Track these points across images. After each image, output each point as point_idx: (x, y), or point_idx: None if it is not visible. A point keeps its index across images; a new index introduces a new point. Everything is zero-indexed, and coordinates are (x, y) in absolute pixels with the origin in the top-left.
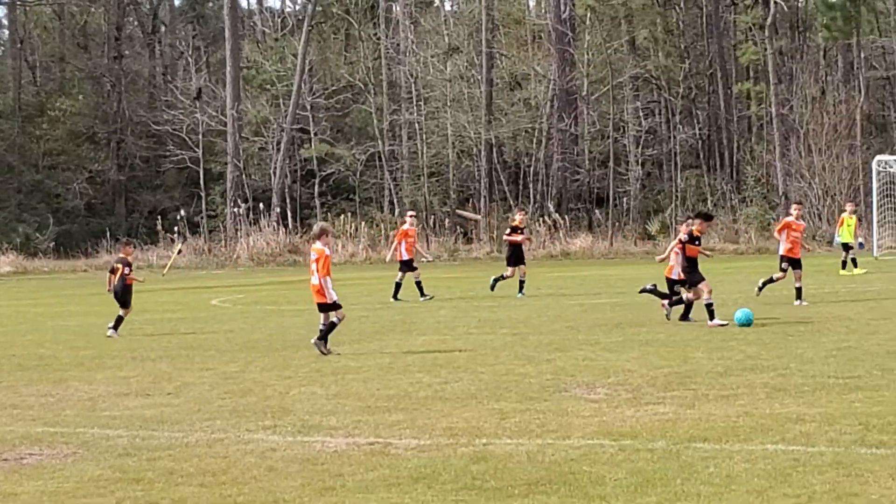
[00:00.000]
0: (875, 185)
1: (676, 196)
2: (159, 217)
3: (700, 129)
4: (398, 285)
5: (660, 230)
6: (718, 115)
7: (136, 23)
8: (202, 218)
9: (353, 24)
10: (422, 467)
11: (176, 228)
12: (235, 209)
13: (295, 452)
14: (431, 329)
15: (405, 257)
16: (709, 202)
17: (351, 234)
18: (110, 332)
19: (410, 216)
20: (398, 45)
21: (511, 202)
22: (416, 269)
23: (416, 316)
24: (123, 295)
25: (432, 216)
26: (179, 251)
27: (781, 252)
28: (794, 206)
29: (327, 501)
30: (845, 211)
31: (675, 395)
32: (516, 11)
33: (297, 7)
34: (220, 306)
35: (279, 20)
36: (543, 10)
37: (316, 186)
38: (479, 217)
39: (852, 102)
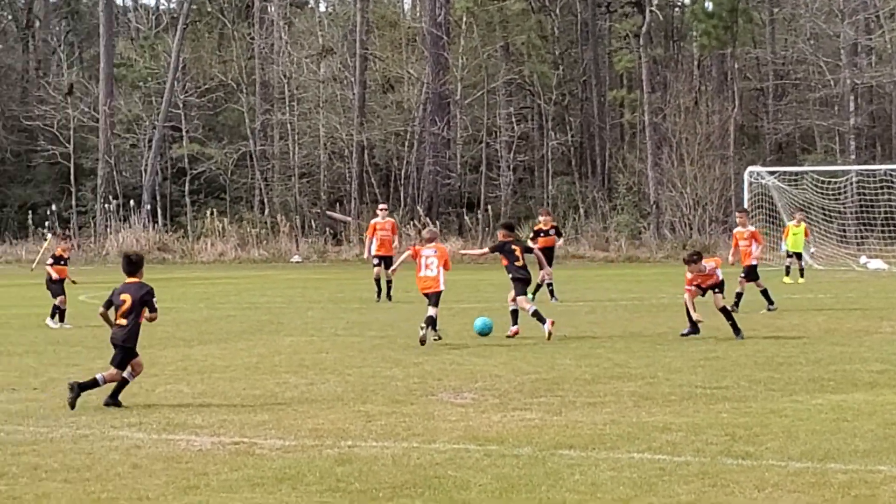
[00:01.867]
0: (746, 195)
1: (547, 202)
2: (30, 212)
3: (572, 135)
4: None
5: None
6: (591, 122)
7: (10, 17)
8: (72, 214)
9: (226, 24)
10: (286, 468)
11: (47, 223)
12: (106, 206)
13: (160, 450)
14: (299, 330)
15: None
16: (580, 209)
17: (220, 233)
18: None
19: (381, 209)
20: (272, 45)
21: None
22: None
23: (284, 317)
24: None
25: (302, 217)
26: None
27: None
28: (737, 214)
29: (191, 500)
30: (793, 220)
31: (542, 402)
32: (391, 14)
33: (172, 5)
34: (88, 302)
35: (153, 17)
36: (418, 13)
37: (187, 185)
38: (348, 219)
39: (725, 113)
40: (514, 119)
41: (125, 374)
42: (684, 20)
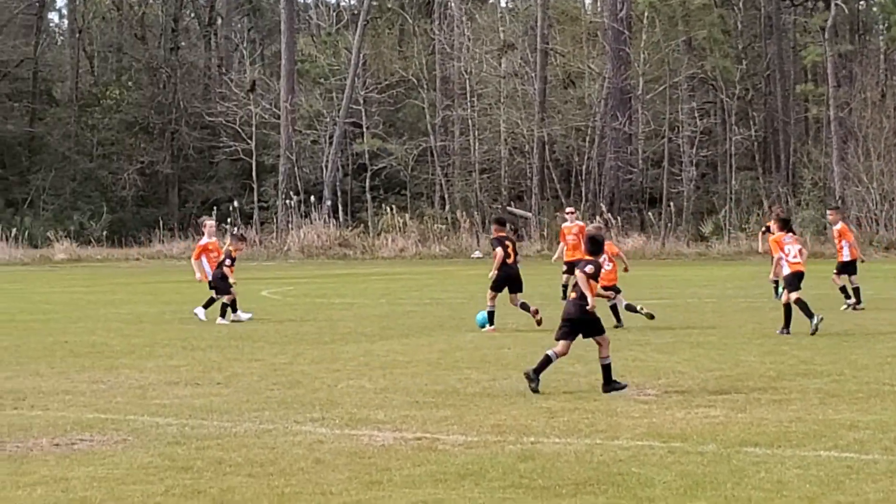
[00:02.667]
0: None
1: (731, 198)
2: (214, 208)
3: (756, 130)
4: None
5: (713, 232)
6: (775, 116)
7: (192, 14)
8: (254, 210)
9: (407, 19)
10: (469, 464)
11: (229, 220)
12: (287, 201)
13: (342, 445)
14: None
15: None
16: (764, 205)
17: (401, 228)
18: (218, 320)
19: (569, 212)
20: (452, 40)
21: (562, 200)
22: None
23: (465, 312)
24: (214, 282)
25: (483, 213)
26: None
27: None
28: (828, 212)
29: (374, 495)
30: None
31: (726, 399)
32: (572, 9)
33: (353, 1)
34: (270, 298)
35: (334, 14)
36: (599, 8)
37: (367, 180)
38: (529, 215)
39: None
40: (696, 114)
41: (602, 358)
42: (870, 13)
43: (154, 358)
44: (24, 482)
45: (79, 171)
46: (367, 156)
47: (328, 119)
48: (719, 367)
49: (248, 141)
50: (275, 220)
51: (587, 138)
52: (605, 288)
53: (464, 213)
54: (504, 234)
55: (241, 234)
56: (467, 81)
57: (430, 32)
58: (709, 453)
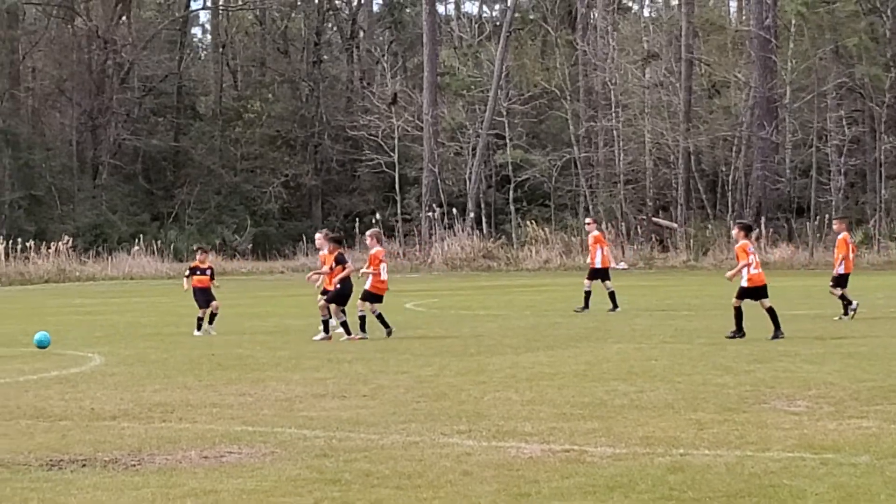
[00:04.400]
0: None
1: (881, 207)
2: (356, 220)
3: None
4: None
5: (863, 241)
6: None
7: (335, 28)
8: (397, 222)
9: (549, 31)
10: (618, 476)
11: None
12: (430, 214)
13: (490, 457)
14: (627, 337)
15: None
16: None
17: (545, 240)
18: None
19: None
20: (596, 51)
21: (708, 211)
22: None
23: (611, 324)
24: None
25: (627, 224)
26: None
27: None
28: (834, 222)
29: None
30: None
31: (878, 410)
32: (717, 17)
33: (495, 13)
34: (415, 310)
35: (476, 26)
36: (745, 17)
37: (511, 192)
38: (675, 225)
39: None
40: (844, 122)
41: None
42: None
43: (300, 370)
44: (173, 495)
45: (223, 184)
46: (510, 167)
47: (471, 131)
48: (871, 378)
49: (391, 153)
50: (418, 233)
51: (733, 148)
52: (370, 295)
53: (608, 224)
54: (343, 251)
55: (200, 248)
56: (611, 92)
57: (573, 43)
58: (862, 465)
